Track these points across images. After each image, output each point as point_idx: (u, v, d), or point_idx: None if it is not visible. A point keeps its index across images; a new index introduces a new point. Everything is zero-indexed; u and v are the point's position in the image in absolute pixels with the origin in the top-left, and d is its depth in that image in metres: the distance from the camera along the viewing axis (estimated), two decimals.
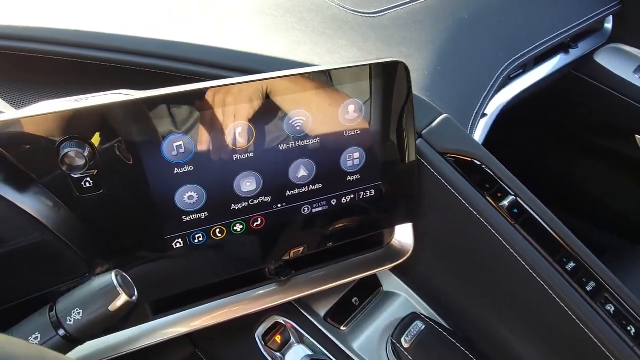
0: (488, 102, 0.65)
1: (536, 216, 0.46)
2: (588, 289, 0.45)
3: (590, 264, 0.46)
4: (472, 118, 0.61)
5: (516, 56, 0.69)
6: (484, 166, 0.47)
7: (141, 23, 0.53)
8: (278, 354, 0.51)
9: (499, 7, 0.77)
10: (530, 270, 0.45)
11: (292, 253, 0.46)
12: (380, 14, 0.67)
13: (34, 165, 0.34)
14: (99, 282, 0.30)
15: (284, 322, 0.53)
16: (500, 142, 0.66)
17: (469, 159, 0.47)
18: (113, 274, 0.30)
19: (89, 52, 0.49)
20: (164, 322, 0.46)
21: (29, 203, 0.34)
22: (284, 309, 0.52)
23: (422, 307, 0.56)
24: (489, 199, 0.46)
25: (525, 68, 0.77)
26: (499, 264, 0.47)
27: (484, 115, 0.65)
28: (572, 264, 0.45)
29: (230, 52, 0.48)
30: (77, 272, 0.38)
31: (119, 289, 0.30)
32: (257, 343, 0.52)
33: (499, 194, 0.46)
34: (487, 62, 0.68)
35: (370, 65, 0.40)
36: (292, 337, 0.52)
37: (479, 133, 0.63)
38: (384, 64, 0.41)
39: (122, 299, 0.30)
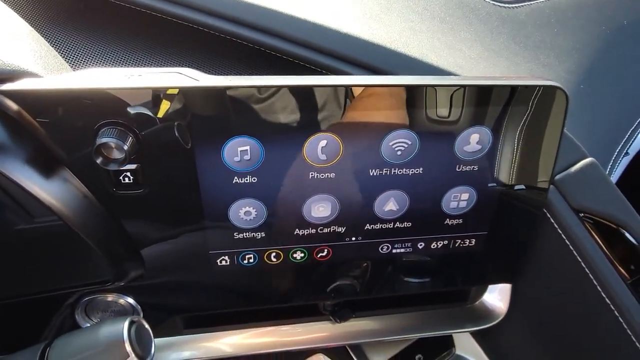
0: (635, 137, 0.51)
1: None
2: None
3: None
4: (614, 158, 0.47)
5: None
6: (634, 241, 0.35)
7: None
8: None
9: None
10: None
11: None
12: (516, 5, 0.54)
13: (66, 148, 0.27)
14: (107, 330, 0.23)
15: None
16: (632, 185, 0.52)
17: (614, 226, 0.35)
18: (126, 324, 0.23)
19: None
20: (196, 338, 0.39)
21: (49, 190, 0.27)
22: (333, 349, 0.44)
23: None
24: (635, 289, 0.34)
25: None
26: None
27: (627, 154, 0.51)
28: None
29: (336, 36, 0.37)
30: (100, 276, 0.32)
31: (128, 346, 0.22)
32: None
33: None
34: None
35: (517, 86, 0.29)
36: None
37: (616, 177, 0.49)
38: (538, 88, 0.29)
39: None
